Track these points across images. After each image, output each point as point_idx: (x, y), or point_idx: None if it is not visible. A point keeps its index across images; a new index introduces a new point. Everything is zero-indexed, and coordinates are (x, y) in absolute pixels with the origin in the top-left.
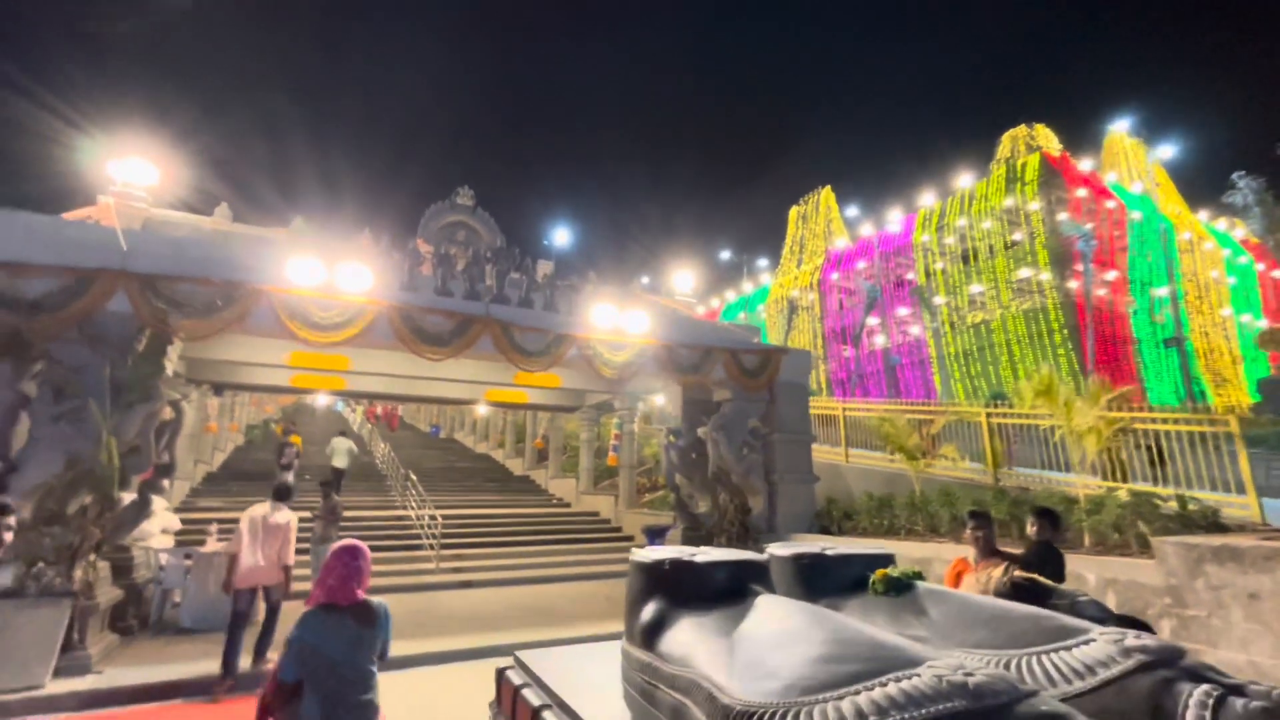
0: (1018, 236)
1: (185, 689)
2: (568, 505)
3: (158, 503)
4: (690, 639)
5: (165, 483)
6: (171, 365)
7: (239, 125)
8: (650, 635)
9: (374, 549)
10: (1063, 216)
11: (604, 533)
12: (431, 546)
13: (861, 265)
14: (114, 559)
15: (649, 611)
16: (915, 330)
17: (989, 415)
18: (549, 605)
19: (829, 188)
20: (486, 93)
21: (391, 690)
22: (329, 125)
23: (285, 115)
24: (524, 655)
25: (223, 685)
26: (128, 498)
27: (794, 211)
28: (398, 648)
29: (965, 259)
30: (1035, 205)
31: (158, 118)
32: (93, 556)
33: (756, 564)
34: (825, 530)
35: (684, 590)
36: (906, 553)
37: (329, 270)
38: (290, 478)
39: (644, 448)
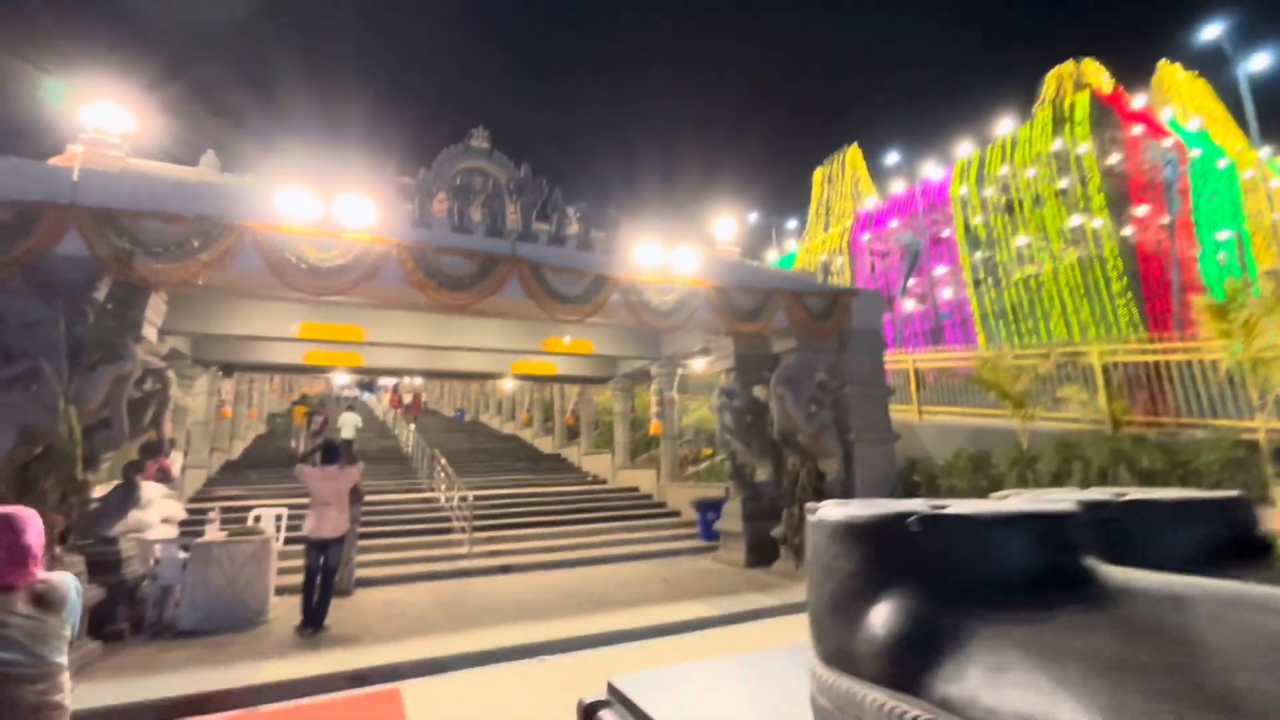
0: (1066, 183)
1: (166, 711)
2: (604, 482)
3: (155, 489)
4: (1025, 676)
5: (170, 467)
6: (154, 327)
7: (227, 70)
8: (908, 662)
9: (403, 533)
10: (1147, 146)
11: (647, 509)
12: (463, 529)
13: (894, 224)
14: (94, 553)
15: (893, 616)
16: (955, 289)
17: (1110, 352)
18: (599, 591)
19: (855, 145)
20: (498, 26)
21: (421, 702)
22: (324, 63)
23: (278, 53)
24: (623, 683)
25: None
26: (96, 481)
27: (819, 173)
28: (428, 646)
29: (1009, 209)
30: (1085, 147)
31: (135, 60)
32: (58, 549)
33: (1076, 519)
34: (912, 494)
35: (964, 570)
36: None
37: (325, 205)
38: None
39: (683, 416)
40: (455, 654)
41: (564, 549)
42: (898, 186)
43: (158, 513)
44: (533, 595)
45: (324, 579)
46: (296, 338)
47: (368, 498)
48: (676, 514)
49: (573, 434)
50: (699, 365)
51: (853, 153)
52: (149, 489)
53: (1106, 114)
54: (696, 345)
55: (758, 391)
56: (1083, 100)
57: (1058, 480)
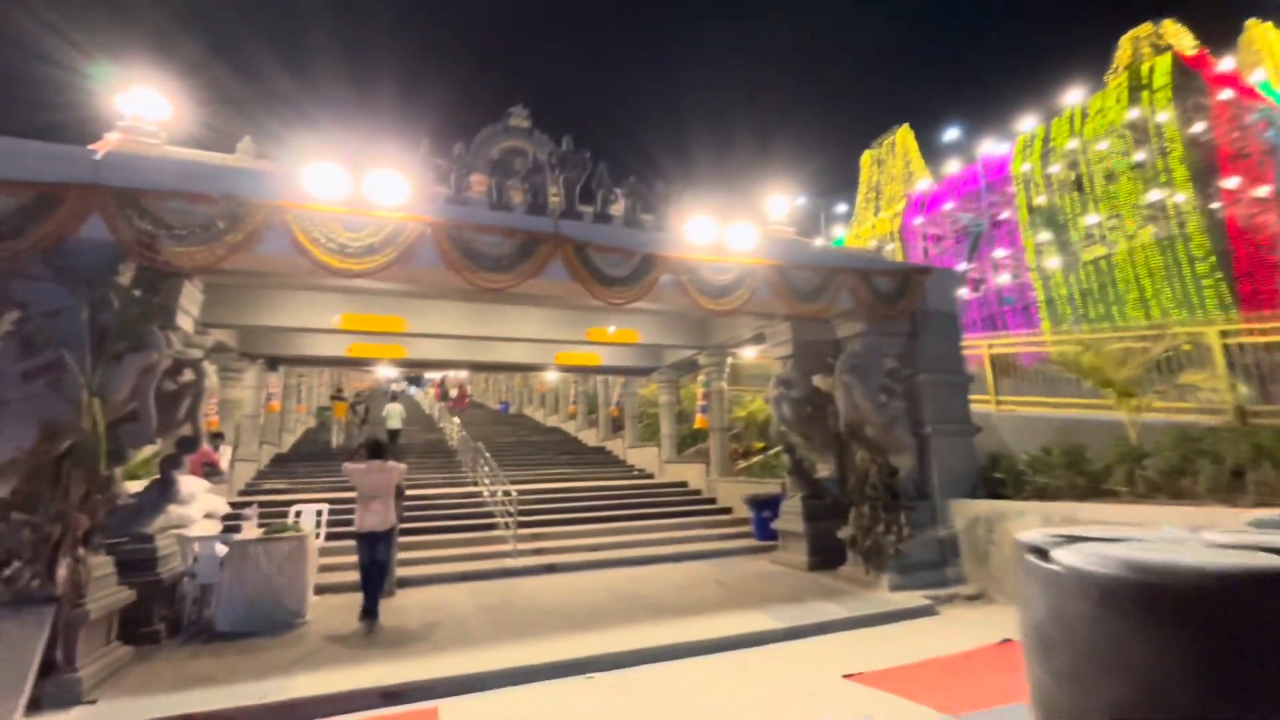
0: (1143, 155)
1: None
2: (650, 476)
3: (196, 484)
4: None
5: (219, 461)
6: (189, 317)
7: (263, 53)
8: None
9: (446, 529)
10: (1237, 112)
11: (696, 505)
12: (507, 525)
13: (949, 206)
14: (128, 551)
15: None
16: (1016, 274)
17: (1233, 333)
18: (652, 594)
19: (906, 126)
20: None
21: None
22: (360, 41)
23: (312, 44)
24: None
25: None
26: (145, 475)
27: (867, 156)
28: (468, 659)
29: (1078, 186)
30: (1165, 116)
31: (171, 44)
32: (81, 551)
33: None
34: (996, 493)
35: None
36: (1162, 520)
37: (356, 182)
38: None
39: (732, 408)
40: (498, 669)
41: (611, 547)
42: (953, 166)
43: (200, 508)
44: (580, 598)
45: (376, 570)
46: (338, 329)
47: (411, 491)
48: (727, 511)
49: (617, 427)
50: (749, 354)
51: (903, 133)
52: (190, 484)
53: (1190, 78)
54: (747, 333)
55: (817, 381)
56: (1163, 64)
57: (1173, 479)
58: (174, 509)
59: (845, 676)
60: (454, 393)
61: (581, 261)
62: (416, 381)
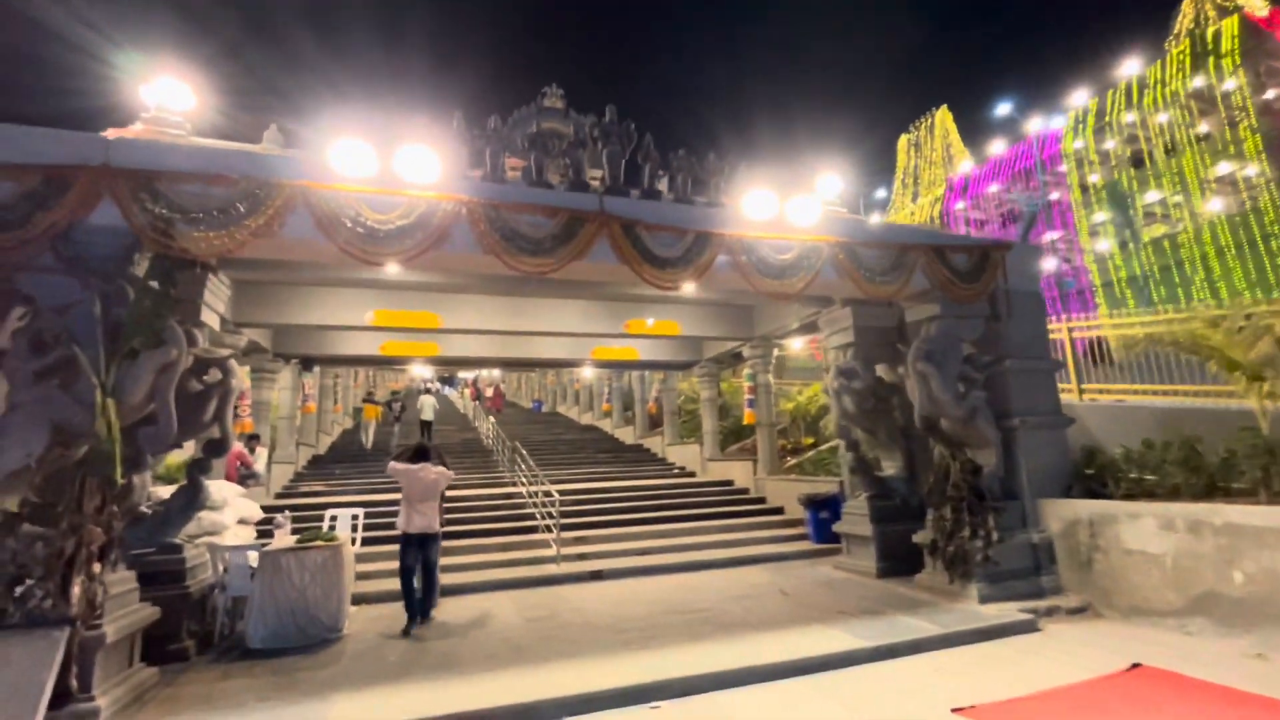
0: (1209, 126)
1: None
2: (692, 474)
3: (228, 488)
4: None
5: (255, 463)
6: (214, 313)
7: (294, 45)
8: None
9: (485, 533)
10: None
11: (744, 505)
12: (549, 529)
13: (994, 188)
14: (154, 562)
15: None
16: (1069, 257)
17: None
18: (711, 605)
19: (944, 108)
20: None
21: None
22: (389, 22)
23: (341, 27)
24: None
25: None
26: (157, 485)
27: (904, 140)
28: (516, 684)
29: (1137, 162)
30: (1234, 83)
31: (198, 36)
32: (97, 566)
33: None
34: (1094, 492)
35: None
36: None
37: (384, 160)
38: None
39: (779, 402)
40: (554, 698)
41: (658, 551)
42: (997, 147)
43: (233, 514)
44: (631, 610)
45: (425, 572)
46: (371, 326)
47: (448, 492)
48: (779, 511)
49: (654, 424)
50: (796, 345)
51: (942, 115)
52: (222, 489)
53: (1262, 40)
54: (794, 322)
55: (881, 371)
56: (1230, 27)
57: None
58: (205, 515)
59: (955, 711)
60: (489, 392)
61: (630, 241)
62: (450, 381)
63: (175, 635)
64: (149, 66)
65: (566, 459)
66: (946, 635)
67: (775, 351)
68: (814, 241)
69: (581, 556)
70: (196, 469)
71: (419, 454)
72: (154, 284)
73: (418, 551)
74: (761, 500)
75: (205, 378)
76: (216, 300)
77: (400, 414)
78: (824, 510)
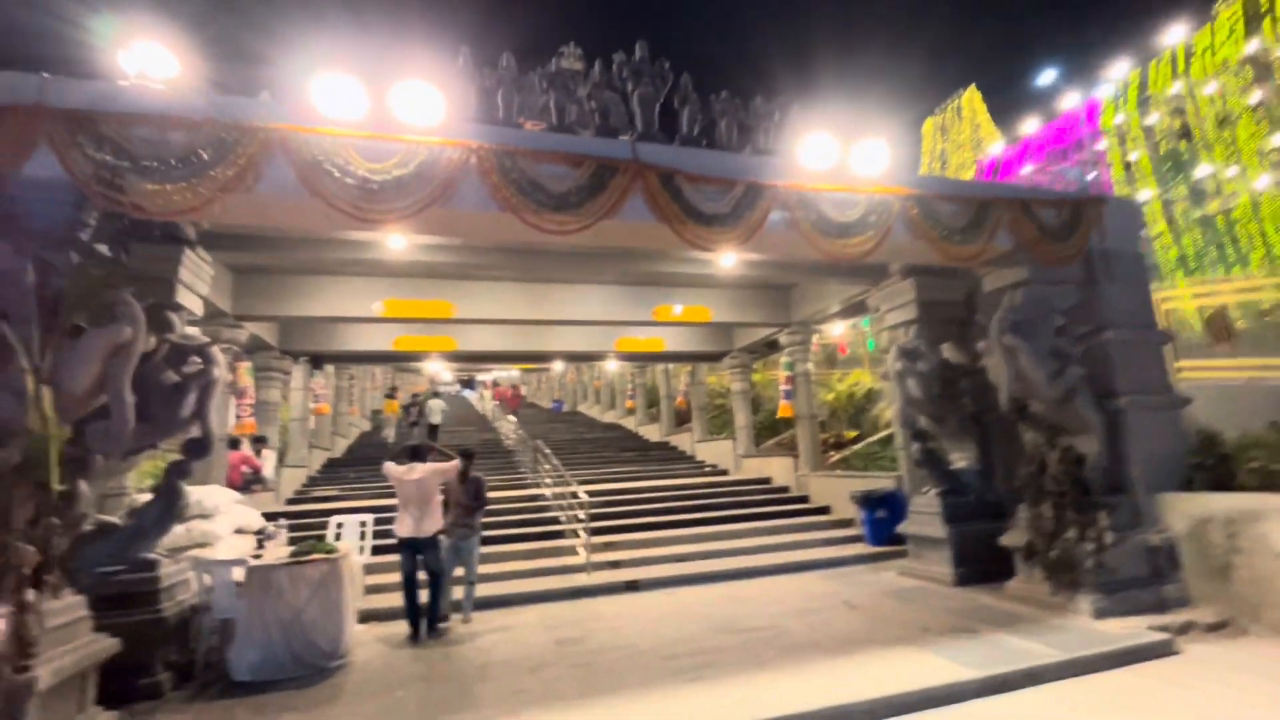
0: (1263, 94)
1: None
2: (724, 472)
3: (221, 494)
4: None
5: (262, 466)
6: (195, 296)
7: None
8: None
9: (509, 538)
10: None
11: (786, 505)
12: (576, 533)
13: (1028, 169)
14: (123, 582)
15: None
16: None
17: None
18: (769, 622)
19: (973, 87)
20: None
21: None
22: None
23: None
24: None
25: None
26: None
27: (929, 124)
28: None
29: (1185, 135)
30: None
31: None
32: (30, 594)
33: None
34: (1222, 484)
35: None
36: None
37: (378, 99)
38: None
39: (819, 393)
40: None
41: (697, 557)
42: (1030, 126)
43: (228, 523)
44: (677, 628)
45: (431, 581)
46: (380, 317)
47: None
48: (825, 511)
49: (682, 420)
50: (836, 331)
51: (969, 95)
52: (213, 494)
53: None
54: (834, 305)
55: (947, 351)
56: None
57: None
58: (196, 525)
59: None
60: (509, 393)
61: (670, 194)
62: (470, 384)
63: (147, 667)
64: (127, 30)
65: (590, 458)
66: (1068, 662)
67: (815, 338)
68: (882, 194)
69: (613, 565)
70: (175, 473)
71: (413, 453)
72: (103, 250)
73: (413, 557)
74: (804, 499)
75: (184, 368)
76: (197, 280)
77: (418, 419)
78: (880, 509)
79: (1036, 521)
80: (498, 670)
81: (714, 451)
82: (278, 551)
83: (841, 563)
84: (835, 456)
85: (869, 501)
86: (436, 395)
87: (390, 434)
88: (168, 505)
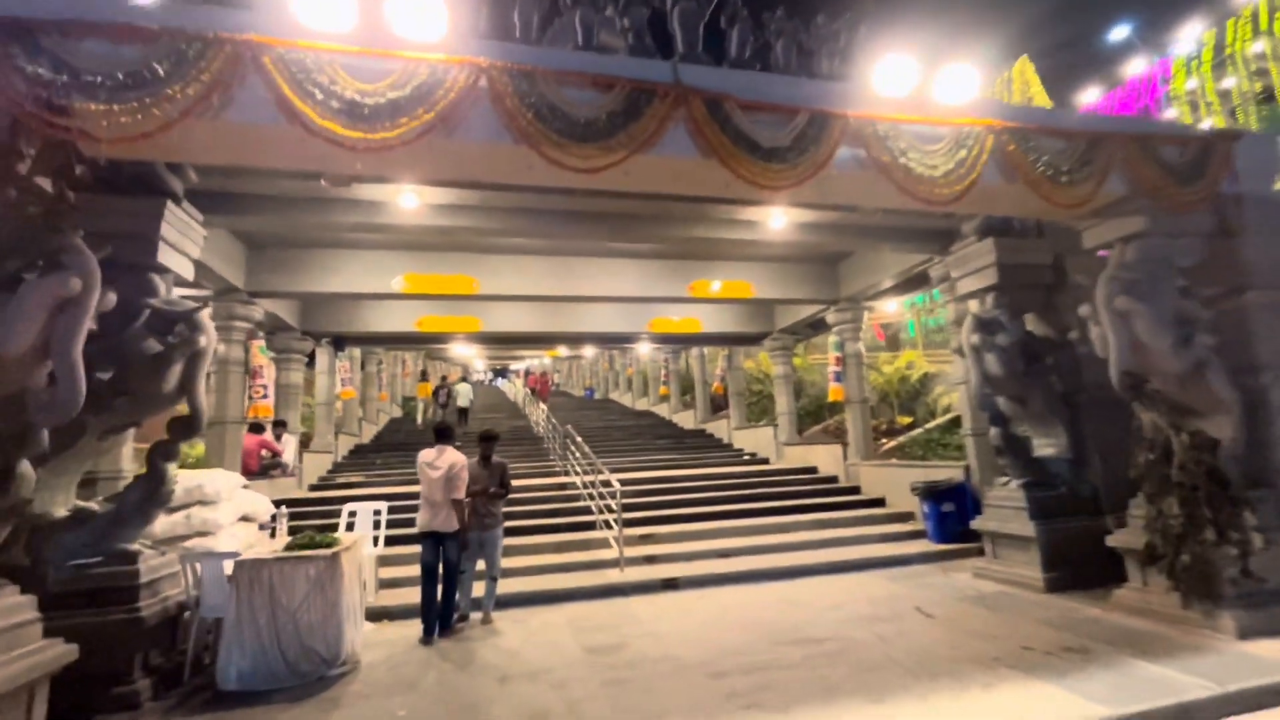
0: None
1: None
2: (765, 461)
3: (224, 479)
4: None
5: (281, 451)
6: (185, 259)
7: None
8: None
9: (537, 529)
10: None
11: (835, 496)
12: (608, 524)
13: None
14: (97, 576)
15: None
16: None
17: None
18: (833, 633)
19: (1024, 58)
20: None
21: None
22: None
23: None
24: None
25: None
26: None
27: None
28: None
29: (1269, 97)
30: None
31: None
32: None
33: None
34: None
35: None
36: None
37: (368, 10)
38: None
39: (869, 375)
40: None
41: (741, 553)
42: (1090, 95)
43: (232, 510)
44: (725, 637)
45: (445, 576)
46: (401, 293)
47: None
48: (879, 503)
49: (717, 407)
50: (890, 308)
51: (1021, 65)
52: (216, 479)
53: None
54: (887, 279)
55: (1032, 323)
56: None
57: None
58: (197, 513)
59: None
60: (542, 380)
61: (719, 123)
62: (502, 373)
63: (124, 674)
64: None
65: (622, 445)
66: (1225, 697)
67: (866, 316)
68: (973, 126)
69: (649, 560)
70: (159, 454)
71: (440, 434)
72: (45, 185)
73: (435, 550)
74: (855, 490)
75: (168, 336)
76: (186, 240)
77: (446, 402)
78: (947, 502)
79: (1159, 520)
80: (518, 684)
81: (753, 439)
82: (275, 543)
83: (903, 561)
84: (888, 444)
85: (934, 493)
86: (465, 380)
87: (421, 418)
88: (150, 490)
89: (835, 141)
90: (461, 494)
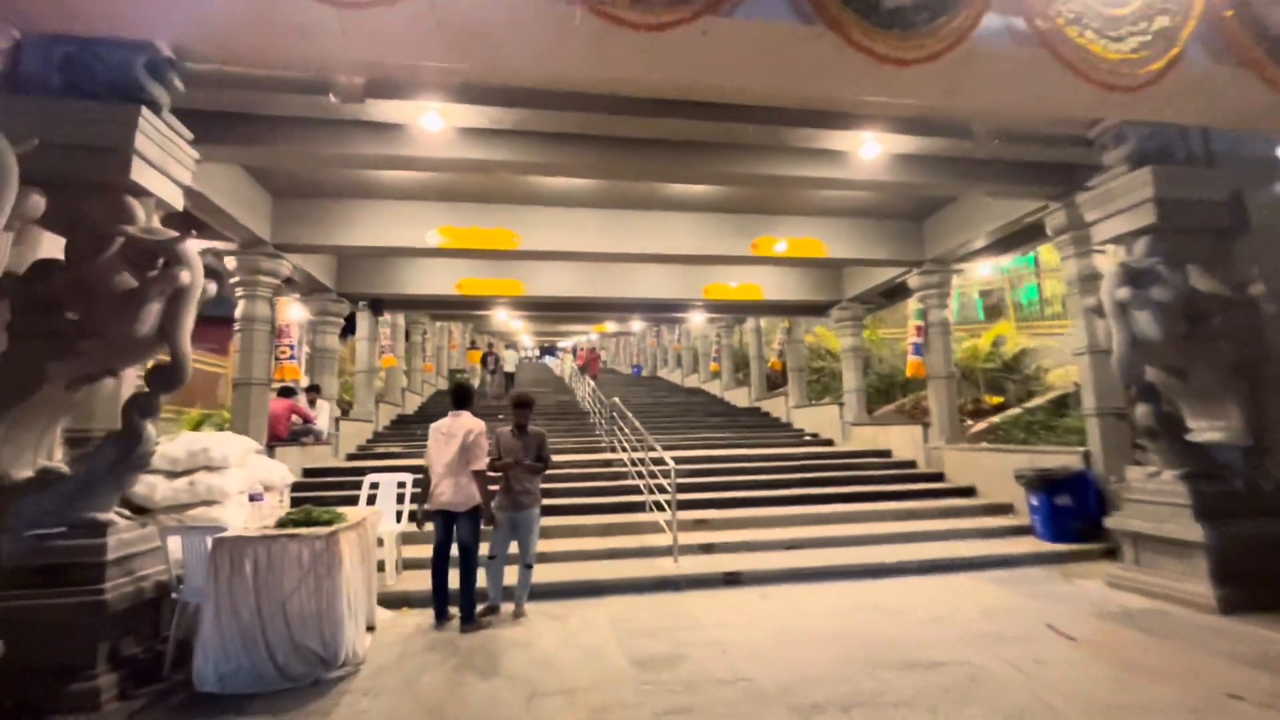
0: None
1: None
2: (829, 443)
3: (233, 442)
4: None
5: (314, 417)
6: (174, 185)
7: None
8: None
9: (579, 509)
10: None
11: (918, 484)
12: (660, 506)
13: None
14: (59, 549)
15: None
16: None
17: None
18: (951, 655)
19: None
20: None
21: None
22: None
23: None
24: None
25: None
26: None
27: None
28: None
29: None
30: None
31: None
32: None
33: None
34: None
35: None
36: None
37: None
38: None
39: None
40: None
41: (811, 544)
42: None
43: (241, 479)
44: (806, 653)
45: (461, 561)
46: (437, 249)
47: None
48: (969, 492)
49: (773, 385)
50: (984, 271)
51: None
52: (226, 443)
53: None
54: (979, 237)
55: (1196, 279)
56: None
57: None
58: (203, 479)
59: None
60: (590, 356)
61: None
62: (550, 351)
63: (83, 667)
64: None
65: (672, 422)
66: None
67: (955, 280)
68: None
69: (705, 549)
70: (136, 409)
71: (457, 399)
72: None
73: (448, 528)
74: (938, 477)
75: (146, 270)
76: (169, 160)
77: (495, 367)
78: (1061, 494)
79: None
80: (549, 704)
81: (814, 418)
82: (257, 519)
83: (1009, 562)
84: (977, 426)
85: (1045, 484)
86: (511, 347)
87: (476, 381)
88: (124, 451)
89: (984, 2)
90: (481, 464)
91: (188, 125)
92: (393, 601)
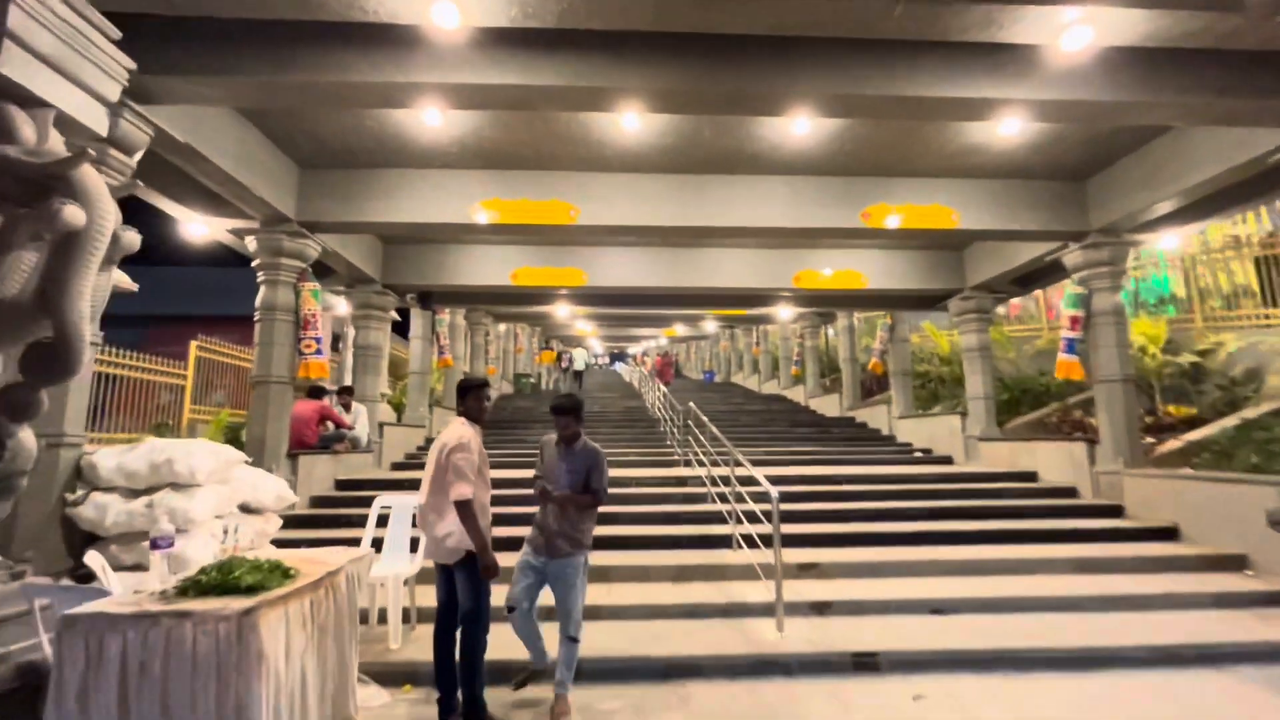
0: None
1: None
2: (947, 460)
3: (209, 452)
4: None
5: (344, 420)
6: (95, 101)
7: None
8: None
9: (645, 541)
10: None
11: (1082, 519)
12: (751, 541)
13: None
14: None
15: None
16: None
17: None
18: None
19: None
20: None
21: None
22: None
23: None
24: None
25: None
26: None
27: None
28: None
29: None
30: None
31: None
32: None
33: None
34: None
35: None
36: None
37: None
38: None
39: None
40: None
41: (966, 607)
42: None
43: (212, 499)
44: None
45: (461, 629)
46: (485, 225)
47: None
48: (1169, 534)
49: (867, 391)
50: (1166, 244)
51: None
52: (196, 454)
53: None
54: (1169, 197)
55: None
56: None
57: None
58: (165, 500)
59: None
60: (662, 362)
61: None
62: (620, 357)
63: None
64: None
65: (754, 434)
66: None
67: (1131, 257)
68: None
69: (819, 609)
70: (34, 376)
71: (458, 395)
72: None
73: (446, 586)
74: (1116, 510)
75: (18, 208)
76: (73, 55)
77: (569, 365)
78: None
79: None
80: None
81: (921, 431)
82: (158, 575)
83: (1268, 655)
84: (1165, 446)
85: None
86: (580, 346)
87: (549, 383)
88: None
89: None
90: (458, 492)
91: (127, 35)
92: (393, 676)
